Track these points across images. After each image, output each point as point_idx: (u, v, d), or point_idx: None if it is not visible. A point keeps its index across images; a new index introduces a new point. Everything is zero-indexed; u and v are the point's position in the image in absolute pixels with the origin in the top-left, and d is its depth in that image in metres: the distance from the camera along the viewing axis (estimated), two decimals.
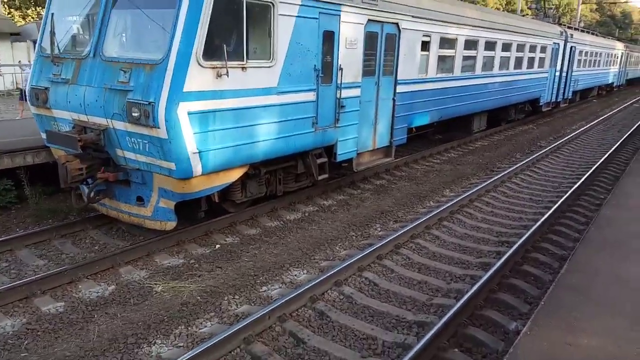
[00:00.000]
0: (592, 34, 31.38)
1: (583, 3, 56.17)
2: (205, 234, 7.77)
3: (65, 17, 7.58)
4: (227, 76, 6.51)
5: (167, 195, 6.88)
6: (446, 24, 12.18)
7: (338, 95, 8.79)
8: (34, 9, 37.54)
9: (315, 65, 8.12)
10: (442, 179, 11.81)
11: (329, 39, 8.39)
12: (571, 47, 22.93)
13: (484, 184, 10.72)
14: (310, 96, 8.18)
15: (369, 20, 9.26)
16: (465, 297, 5.70)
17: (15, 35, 28.09)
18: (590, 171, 11.89)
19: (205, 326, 5.41)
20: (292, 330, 5.28)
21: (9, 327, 5.26)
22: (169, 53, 6.10)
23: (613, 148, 15.16)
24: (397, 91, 10.67)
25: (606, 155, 13.87)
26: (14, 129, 10.53)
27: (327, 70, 8.49)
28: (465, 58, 13.67)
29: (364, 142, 10.04)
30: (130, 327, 5.31)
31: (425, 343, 4.81)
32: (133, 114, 6.21)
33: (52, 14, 7.49)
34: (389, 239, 7.45)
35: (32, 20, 35.22)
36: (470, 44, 13.77)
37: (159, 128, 6.10)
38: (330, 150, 9.13)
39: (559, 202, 9.31)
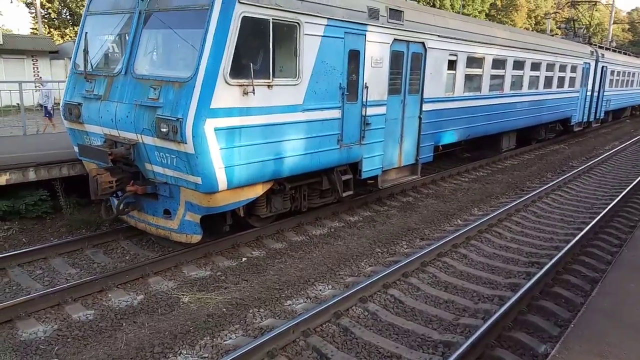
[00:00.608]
0: (625, 53, 30.86)
1: (614, 23, 55.27)
2: (232, 247, 7.85)
3: (99, 36, 7.91)
4: (254, 94, 6.66)
5: (193, 209, 6.99)
6: (473, 43, 12.22)
7: (363, 113, 8.86)
8: (72, 28, 39.05)
9: (340, 84, 8.21)
10: (470, 198, 11.67)
11: (354, 57, 8.49)
12: (602, 67, 22.64)
13: (513, 203, 10.55)
14: (336, 113, 8.27)
15: (394, 39, 9.35)
16: (493, 317, 5.59)
17: (54, 53, 29.38)
18: (625, 192, 11.57)
19: (230, 338, 5.44)
20: (315, 345, 5.27)
21: (41, 333, 5.40)
22: (197, 71, 6.27)
23: None
24: (424, 109, 10.69)
25: None
26: (47, 142, 10.88)
27: (352, 88, 8.56)
28: (493, 77, 13.65)
29: (390, 159, 10.05)
30: (157, 337, 5.38)
31: None
32: (162, 130, 6.38)
33: (86, 32, 7.79)
34: (415, 257, 7.38)
35: (69, 39, 36.66)
36: (498, 63, 13.77)
37: (186, 143, 6.25)
38: (355, 167, 9.15)
39: (591, 223, 9.08)
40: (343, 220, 9.55)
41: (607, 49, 26.13)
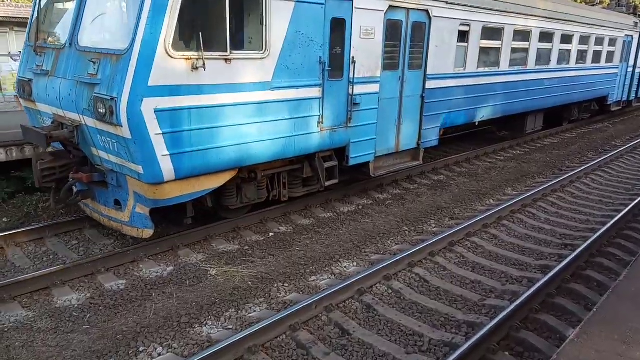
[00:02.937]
0: None
1: None
2: (260, 222, 7.95)
3: (53, 4, 7.21)
4: (204, 69, 5.82)
5: (142, 201, 6.31)
6: (489, 11, 10.83)
7: (350, 92, 7.89)
8: None
9: (320, 58, 7.24)
10: (504, 177, 11.38)
11: (338, 27, 7.49)
12: None
13: (550, 183, 10.22)
14: (315, 92, 7.34)
15: (390, 6, 8.23)
16: (520, 299, 5.48)
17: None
18: None
19: (255, 311, 5.55)
20: (338, 321, 5.31)
21: (75, 301, 5.64)
22: (134, 43, 5.45)
23: None
24: (427, 87, 9.55)
25: None
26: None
27: (336, 63, 7.59)
28: (515, 50, 12.26)
29: (385, 143, 9.05)
30: (184, 307, 5.55)
31: (474, 343, 4.69)
32: (99, 110, 5.65)
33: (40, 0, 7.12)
34: (443, 236, 7.28)
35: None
36: (521, 34, 12.31)
37: (122, 127, 5.51)
38: (342, 152, 8.30)
39: (631, 205, 8.72)
40: (372, 197, 9.49)
41: None
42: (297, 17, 6.82)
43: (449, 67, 10.05)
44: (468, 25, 10.32)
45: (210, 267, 6.54)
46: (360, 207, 8.95)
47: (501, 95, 12.20)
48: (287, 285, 6.13)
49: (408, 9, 8.70)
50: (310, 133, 7.48)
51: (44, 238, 7.13)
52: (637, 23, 19.62)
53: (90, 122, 5.99)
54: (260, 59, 6.51)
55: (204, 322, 5.31)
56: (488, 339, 4.88)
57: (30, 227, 7.25)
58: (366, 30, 7.95)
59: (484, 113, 11.79)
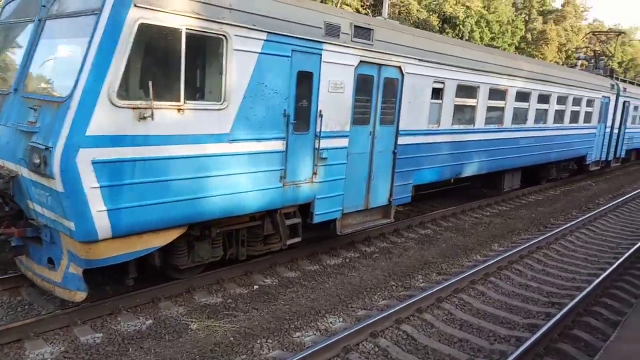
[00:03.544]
0: None
1: None
2: (244, 274, 7.80)
3: (7, 48, 7.04)
4: (152, 119, 5.47)
5: (75, 260, 5.76)
6: (464, 69, 10.77)
7: (317, 146, 7.61)
8: None
9: (285, 110, 7.01)
10: (490, 232, 11.42)
11: (305, 80, 7.32)
12: (624, 102, 21.17)
13: (535, 240, 10.26)
14: (277, 145, 7.04)
15: (361, 61, 8.13)
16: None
17: None
18: None
19: None
20: None
21: (48, 354, 5.39)
22: (74, 89, 5.16)
23: None
24: (399, 143, 9.30)
25: None
26: None
27: (302, 116, 7.36)
28: (490, 109, 12.13)
29: (354, 200, 8.66)
30: None
31: None
32: (34, 161, 5.28)
33: None
34: (430, 292, 7.20)
35: None
36: (497, 93, 12.25)
37: (54, 179, 5.11)
38: (308, 208, 7.91)
39: (616, 264, 8.76)
40: (359, 250, 9.42)
41: (630, 82, 24.53)
42: (261, 68, 6.62)
43: (422, 123, 9.87)
44: (442, 82, 10.23)
45: (192, 321, 6.35)
46: (347, 260, 8.86)
47: (476, 153, 12.02)
48: (270, 341, 5.95)
49: (380, 65, 8.58)
50: (272, 188, 7.08)
51: (20, 287, 6.90)
52: (613, 85, 19.98)
53: (25, 172, 5.62)
54: (218, 109, 6.22)
55: None
56: None
57: (5, 276, 7.01)
58: (335, 84, 7.76)
59: (458, 170, 11.60)
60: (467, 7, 43.45)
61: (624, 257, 9.20)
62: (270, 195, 7.09)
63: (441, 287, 7.44)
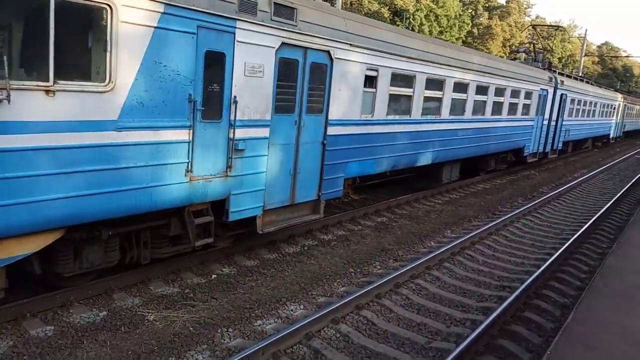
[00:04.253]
0: (587, 82, 29.15)
1: (585, 55, 57.37)
2: (201, 263, 7.64)
3: None
4: (9, 101, 4.53)
5: None
6: (399, 57, 10.17)
7: (231, 136, 6.81)
8: None
9: (190, 95, 6.13)
10: (443, 220, 11.73)
11: (216, 62, 6.49)
12: (562, 95, 21.29)
13: (485, 227, 10.63)
14: (182, 135, 6.16)
15: (283, 43, 7.34)
16: (465, 342, 5.56)
17: None
18: (593, 219, 11.81)
19: (197, 359, 5.24)
20: None
21: None
22: None
23: (615, 197, 15.11)
24: (329, 133, 8.63)
25: (609, 204, 13.81)
26: None
27: (212, 102, 6.55)
28: (428, 99, 11.69)
29: (277, 195, 7.91)
30: (119, 356, 5.15)
31: None
32: None
33: None
34: (388, 278, 7.31)
35: None
36: (434, 83, 11.78)
37: None
38: (223, 205, 7.10)
39: (561, 249, 9.20)
40: (317, 238, 9.44)
41: (567, 76, 24.71)
42: (157, 45, 5.72)
43: (354, 113, 9.27)
44: (376, 70, 9.61)
45: (148, 312, 6.16)
46: (306, 248, 8.86)
47: (413, 145, 11.57)
48: (231, 330, 5.87)
49: (306, 49, 7.82)
50: (175, 183, 6.22)
51: None
52: (551, 78, 20.11)
53: None
54: (102, 92, 5.28)
55: None
56: None
57: None
58: (253, 68, 6.96)
59: (394, 163, 11.11)
60: (417, 1, 44.17)
61: (568, 242, 9.68)
62: (173, 191, 6.22)
63: (398, 273, 7.58)
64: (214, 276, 7.37)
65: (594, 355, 4.52)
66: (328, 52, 8.28)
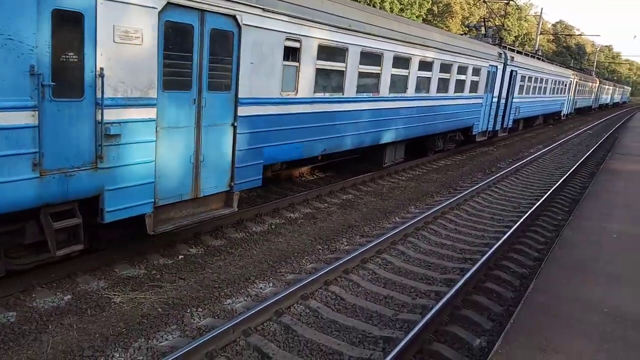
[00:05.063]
0: (539, 58, 28.85)
1: (541, 34, 58.78)
2: (168, 244, 7.55)
3: None
4: None
5: None
6: (326, 27, 9.07)
7: (99, 118, 5.57)
8: None
9: (33, 67, 4.91)
10: (407, 196, 11.95)
11: (70, 24, 5.25)
12: (512, 71, 20.65)
13: (447, 202, 10.91)
14: (23, 118, 4.94)
15: (169, 3, 6.10)
16: (430, 313, 5.74)
17: None
18: (549, 193, 12.28)
19: (167, 339, 5.22)
20: (256, 344, 5.16)
21: None
22: None
23: (570, 171, 15.74)
24: (241, 114, 7.50)
25: (563, 178, 14.39)
26: None
27: (67, 76, 5.30)
28: (363, 75, 10.69)
29: (174, 188, 6.75)
30: (86, 339, 5.08)
31: (392, 359, 4.80)
32: None
33: None
34: (355, 254, 7.44)
35: None
36: (370, 57, 10.78)
37: None
38: (95, 203, 5.90)
39: (519, 222, 9.56)
40: (283, 217, 9.47)
41: (518, 52, 24.18)
42: None
43: (273, 90, 8.15)
44: (298, 41, 8.50)
45: (114, 295, 6.07)
46: (273, 227, 8.88)
47: (348, 126, 10.57)
48: (200, 310, 5.86)
49: (202, 11, 6.60)
50: (18, 180, 5.00)
51: None
52: (501, 54, 19.41)
53: None
54: None
55: (110, 355, 4.89)
56: (404, 354, 5.03)
57: None
58: (126, 33, 5.72)
59: (325, 146, 10.00)
60: None
61: (525, 215, 10.06)
62: (16, 190, 5.01)
63: (365, 248, 7.71)
64: (180, 257, 7.31)
65: (555, 323, 4.77)
66: (234, 17, 7.07)
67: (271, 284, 6.68)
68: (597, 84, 53.59)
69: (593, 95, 52.06)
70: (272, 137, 8.35)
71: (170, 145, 6.58)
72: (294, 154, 9.17)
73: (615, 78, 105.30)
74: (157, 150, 6.36)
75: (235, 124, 7.49)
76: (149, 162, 6.28)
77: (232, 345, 5.13)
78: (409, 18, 43.30)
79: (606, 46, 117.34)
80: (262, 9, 7.50)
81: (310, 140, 9.43)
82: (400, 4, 47.42)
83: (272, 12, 7.73)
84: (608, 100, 69.29)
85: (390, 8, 44.86)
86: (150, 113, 6.16)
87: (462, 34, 20.93)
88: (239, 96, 7.45)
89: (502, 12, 37.54)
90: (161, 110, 6.33)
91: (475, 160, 18.21)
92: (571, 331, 4.68)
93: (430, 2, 56.02)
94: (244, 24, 7.24)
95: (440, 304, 6.00)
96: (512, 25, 65.74)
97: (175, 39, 6.40)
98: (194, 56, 6.67)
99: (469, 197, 11.99)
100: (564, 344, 4.43)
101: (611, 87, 69.57)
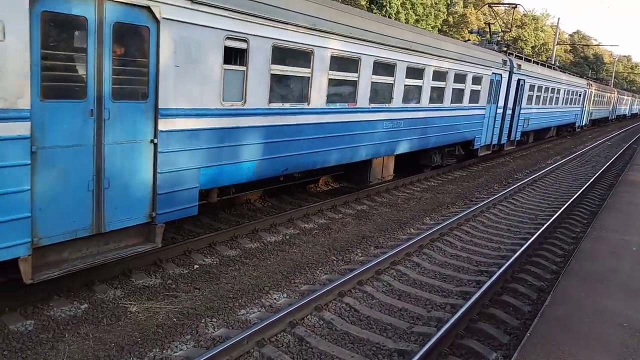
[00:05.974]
0: (549, 66, 27.21)
1: (558, 44, 58.35)
2: (183, 254, 7.61)
3: None
4: None
5: None
6: (285, 25, 7.70)
7: None
8: None
9: None
10: (422, 207, 11.88)
11: None
12: (519, 80, 19.08)
13: (463, 213, 10.81)
14: None
15: None
16: (446, 326, 5.68)
17: None
18: (567, 204, 12.12)
19: (181, 349, 5.24)
20: (270, 356, 5.16)
21: None
22: None
23: (588, 183, 15.51)
24: (163, 128, 6.14)
25: (582, 190, 14.18)
26: None
27: None
28: (335, 83, 9.28)
29: (65, 223, 5.39)
30: (102, 348, 5.12)
31: None
32: None
33: None
34: (369, 265, 7.40)
35: None
36: (345, 63, 9.34)
37: None
38: None
39: (536, 234, 9.43)
40: (298, 227, 9.47)
41: (526, 59, 22.39)
42: None
43: (210, 100, 6.82)
44: (244, 40, 7.14)
45: (130, 304, 6.12)
46: (288, 237, 8.89)
47: (316, 141, 9.07)
48: (215, 320, 5.88)
49: (100, 0, 5.30)
50: None
51: None
52: (506, 61, 17.89)
53: None
54: None
55: None
56: None
57: None
58: None
59: (287, 164, 8.55)
60: None
61: (543, 227, 9.93)
62: None
63: (379, 260, 7.67)
64: (196, 266, 7.35)
65: (573, 337, 4.69)
66: (148, 8, 5.74)
67: (285, 295, 6.68)
68: (615, 94, 52.81)
69: (610, 106, 51.22)
70: (211, 156, 6.98)
71: (56, 168, 5.22)
72: (244, 175, 7.74)
73: (634, 88, 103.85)
74: (34, 176, 5.00)
75: (156, 141, 6.09)
76: (22, 192, 4.90)
77: (246, 356, 5.13)
78: (425, 29, 43.39)
79: (625, 56, 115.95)
80: (191, 0, 6.20)
81: (265, 159, 8.02)
82: (416, 14, 47.54)
83: (206, 4, 6.37)
84: (626, 112, 68.26)
85: (405, 19, 44.99)
86: (21, 129, 4.82)
87: (474, 44, 19.73)
88: (160, 106, 6.06)
89: (519, 23, 37.14)
90: (39, 125, 5.00)
91: (492, 171, 18.06)
92: (589, 345, 4.59)
93: (446, 12, 56.08)
94: (163, 18, 5.89)
95: (455, 316, 5.94)
96: (528, 35, 65.43)
97: (59, 35, 5.19)
98: (89, 56, 5.32)
99: (485, 208, 11.88)
100: (581, 358, 4.35)
101: (630, 98, 68.56)
